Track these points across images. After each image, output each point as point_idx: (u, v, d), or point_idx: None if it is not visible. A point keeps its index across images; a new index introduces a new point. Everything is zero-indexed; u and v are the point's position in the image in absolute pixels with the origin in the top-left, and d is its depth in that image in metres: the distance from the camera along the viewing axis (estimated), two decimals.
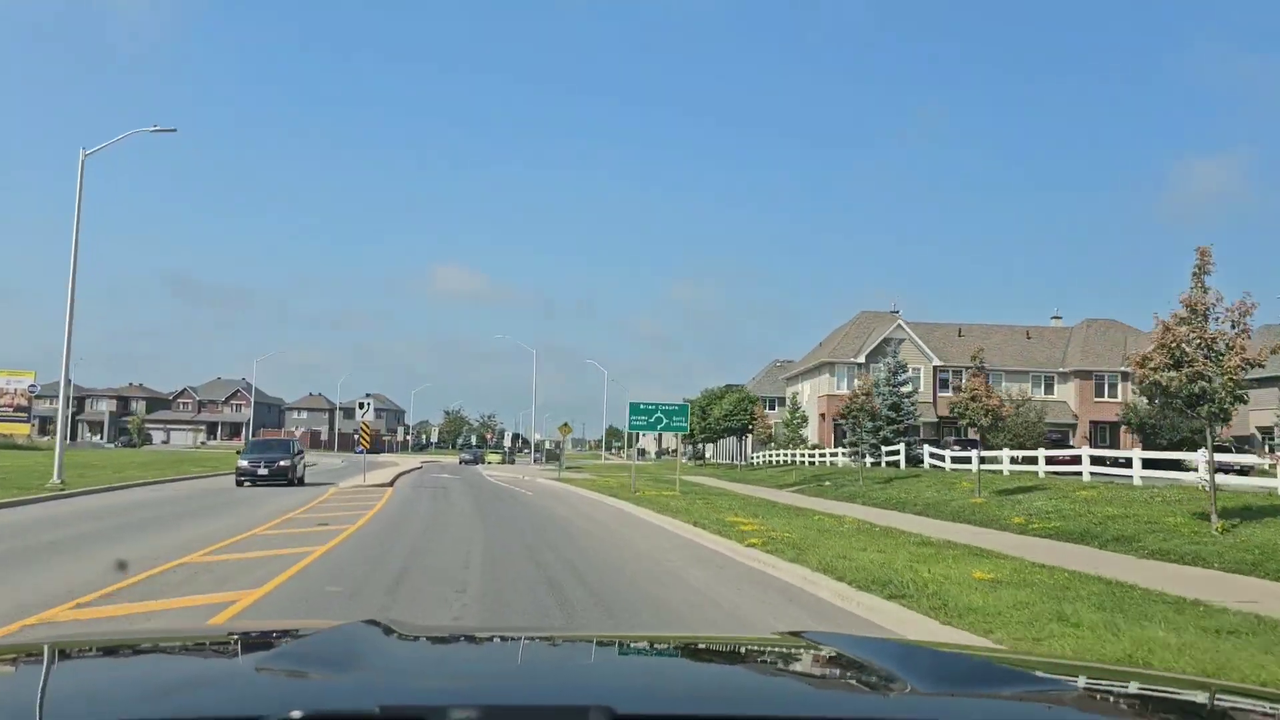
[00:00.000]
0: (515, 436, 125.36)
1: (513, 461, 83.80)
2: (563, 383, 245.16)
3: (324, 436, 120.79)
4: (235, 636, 2.20)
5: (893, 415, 37.65)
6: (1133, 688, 1.78)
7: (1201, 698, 1.71)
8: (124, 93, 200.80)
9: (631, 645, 2.26)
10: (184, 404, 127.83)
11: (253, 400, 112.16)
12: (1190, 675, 2.81)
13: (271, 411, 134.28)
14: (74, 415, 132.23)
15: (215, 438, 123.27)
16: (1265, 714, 1.54)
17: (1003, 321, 62.31)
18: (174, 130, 27.05)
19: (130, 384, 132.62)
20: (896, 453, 36.48)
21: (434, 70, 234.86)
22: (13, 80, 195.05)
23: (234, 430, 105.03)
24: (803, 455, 50.86)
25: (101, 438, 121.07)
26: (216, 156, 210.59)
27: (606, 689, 1.52)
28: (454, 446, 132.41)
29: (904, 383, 40.61)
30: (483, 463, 76.63)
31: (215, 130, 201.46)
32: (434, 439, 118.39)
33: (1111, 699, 1.67)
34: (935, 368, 56.25)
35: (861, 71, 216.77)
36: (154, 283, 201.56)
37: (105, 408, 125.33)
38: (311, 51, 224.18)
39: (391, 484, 32.75)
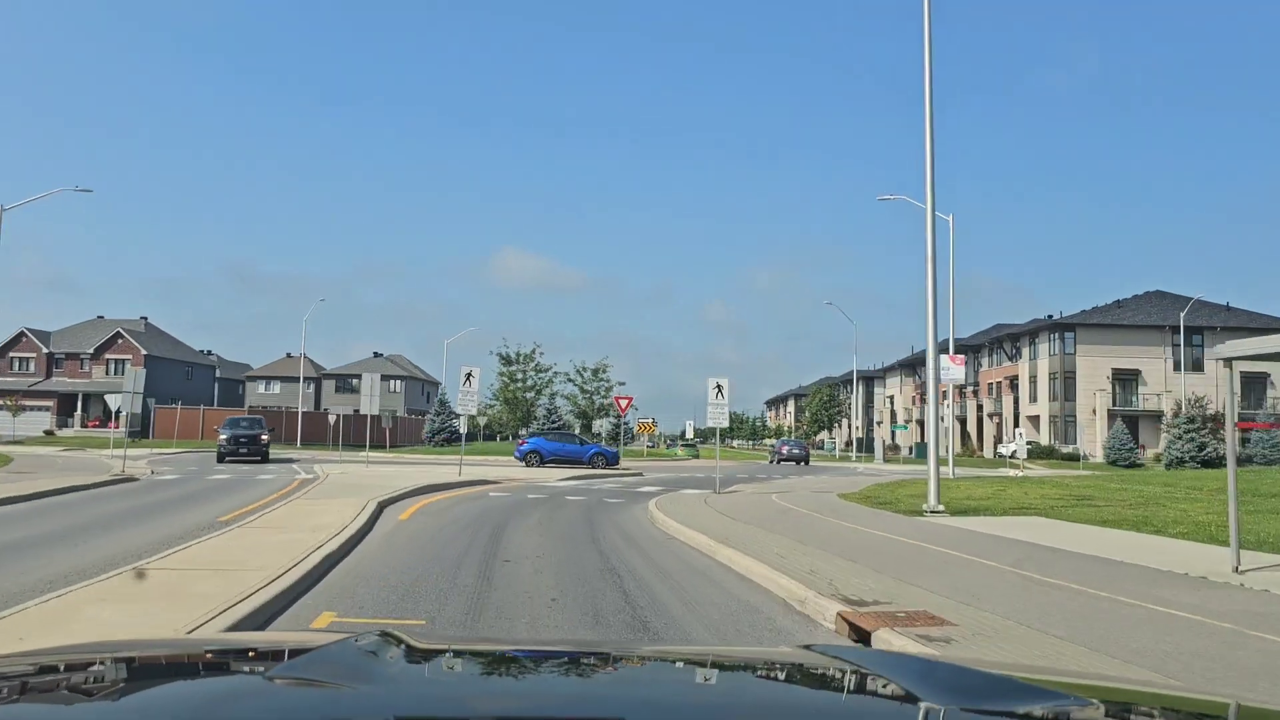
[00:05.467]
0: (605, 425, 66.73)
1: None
2: (632, 374, 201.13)
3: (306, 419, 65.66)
4: (246, 647, 2.08)
5: None
6: (1157, 709, 1.70)
7: None
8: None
9: (647, 660, 2.14)
10: (24, 360, 71.23)
11: (143, 351, 58.13)
12: (1220, 698, 2.21)
13: (194, 375, 78.43)
14: None
15: (73, 422, 67.46)
16: None
17: None
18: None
19: None
20: None
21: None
22: None
23: (106, 409, 49.95)
24: None
25: None
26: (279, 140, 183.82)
27: (621, 703, 1.52)
28: (513, 436, 75.13)
29: None
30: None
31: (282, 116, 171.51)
32: (477, 426, 41.90)
33: (1132, 718, 1.60)
34: None
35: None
36: (213, 272, 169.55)
37: None
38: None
39: None
